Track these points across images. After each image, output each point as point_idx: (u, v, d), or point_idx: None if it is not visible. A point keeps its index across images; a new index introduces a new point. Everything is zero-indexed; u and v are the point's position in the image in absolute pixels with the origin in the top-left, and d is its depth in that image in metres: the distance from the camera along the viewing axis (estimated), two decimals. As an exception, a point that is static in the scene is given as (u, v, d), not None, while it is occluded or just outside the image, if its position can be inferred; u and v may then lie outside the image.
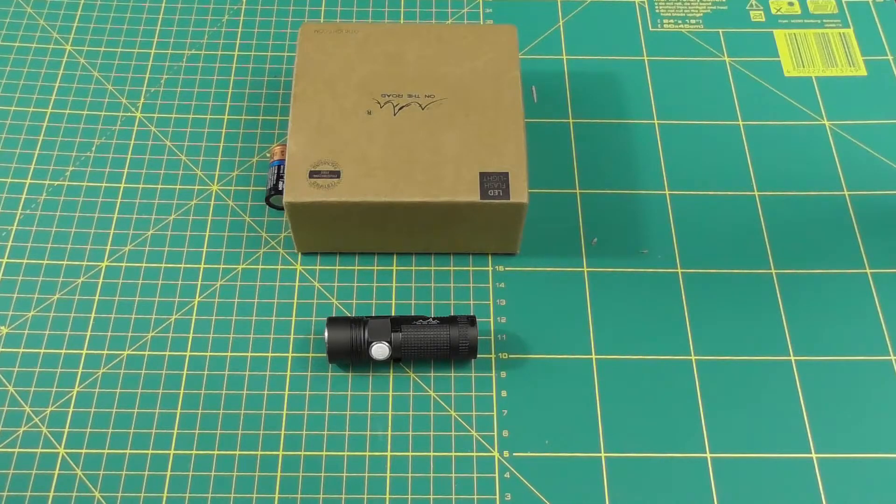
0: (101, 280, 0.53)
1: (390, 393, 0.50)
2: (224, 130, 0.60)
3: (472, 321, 0.49)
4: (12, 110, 0.60)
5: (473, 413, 0.49)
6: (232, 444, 0.48)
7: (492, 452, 0.48)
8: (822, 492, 0.47)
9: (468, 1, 0.66)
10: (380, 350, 0.48)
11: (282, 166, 0.54)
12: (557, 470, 0.47)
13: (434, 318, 0.50)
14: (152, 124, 0.60)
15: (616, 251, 0.55)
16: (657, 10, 0.66)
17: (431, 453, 0.48)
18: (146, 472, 0.47)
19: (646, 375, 0.50)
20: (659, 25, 0.65)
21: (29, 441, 0.48)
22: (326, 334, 0.49)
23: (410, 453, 0.48)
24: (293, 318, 0.52)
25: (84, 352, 0.51)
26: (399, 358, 0.49)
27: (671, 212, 0.56)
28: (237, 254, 0.55)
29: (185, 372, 0.50)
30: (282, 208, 0.55)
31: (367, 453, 0.48)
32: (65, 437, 0.48)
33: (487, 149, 0.51)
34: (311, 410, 0.49)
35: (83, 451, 0.48)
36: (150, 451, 0.48)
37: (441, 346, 0.49)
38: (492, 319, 0.52)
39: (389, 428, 0.49)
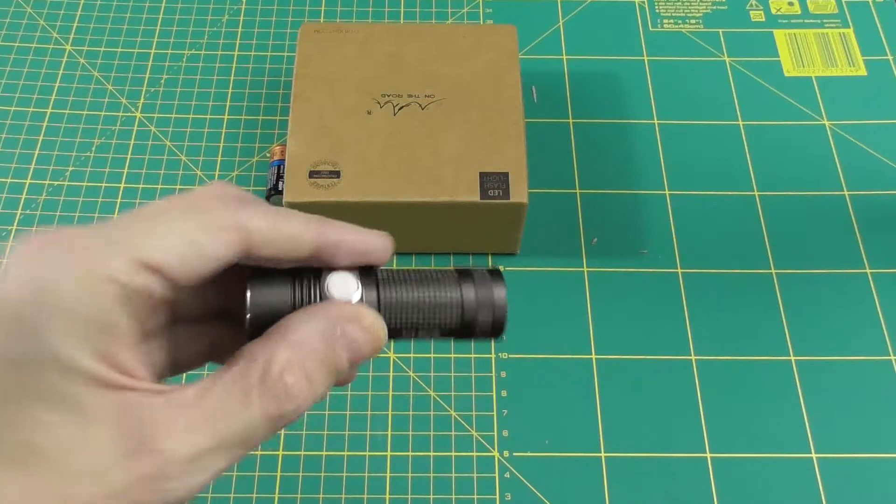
0: (101, 280, 0.53)
1: (390, 393, 0.50)
2: (224, 130, 0.60)
3: (495, 276, 0.30)
4: (12, 110, 0.60)
5: (473, 413, 0.49)
6: (232, 444, 0.48)
7: (492, 452, 0.48)
8: (822, 492, 0.47)
9: (468, 1, 0.66)
10: (343, 285, 0.28)
11: (282, 166, 0.54)
12: (557, 470, 0.47)
13: (435, 270, 0.31)
14: (152, 124, 0.60)
15: (616, 251, 0.55)
16: (657, 10, 0.66)
17: (431, 453, 0.48)
18: (146, 472, 0.47)
19: (646, 375, 0.50)
20: (659, 25, 0.66)
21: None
22: (249, 297, 0.28)
23: (410, 453, 0.48)
24: (293, 318, 0.52)
25: (84, 352, 0.51)
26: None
27: (671, 212, 0.56)
28: (237, 254, 0.54)
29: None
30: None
31: (367, 453, 0.48)
32: (65, 437, 0.48)
33: (487, 149, 0.51)
34: (311, 410, 0.49)
35: (83, 451, 0.48)
36: (150, 451, 0.48)
37: (445, 317, 0.30)
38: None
39: (389, 428, 0.49)
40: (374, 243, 0.29)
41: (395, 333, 0.30)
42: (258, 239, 0.26)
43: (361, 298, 0.29)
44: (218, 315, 0.31)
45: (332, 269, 0.29)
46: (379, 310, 0.29)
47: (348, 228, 0.28)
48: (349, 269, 0.29)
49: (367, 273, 0.29)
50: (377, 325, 0.28)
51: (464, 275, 0.31)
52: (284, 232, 0.27)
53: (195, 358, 0.30)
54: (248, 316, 0.28)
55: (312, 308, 0.27)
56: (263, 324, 0.28)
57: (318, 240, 0.27)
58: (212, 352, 0.30)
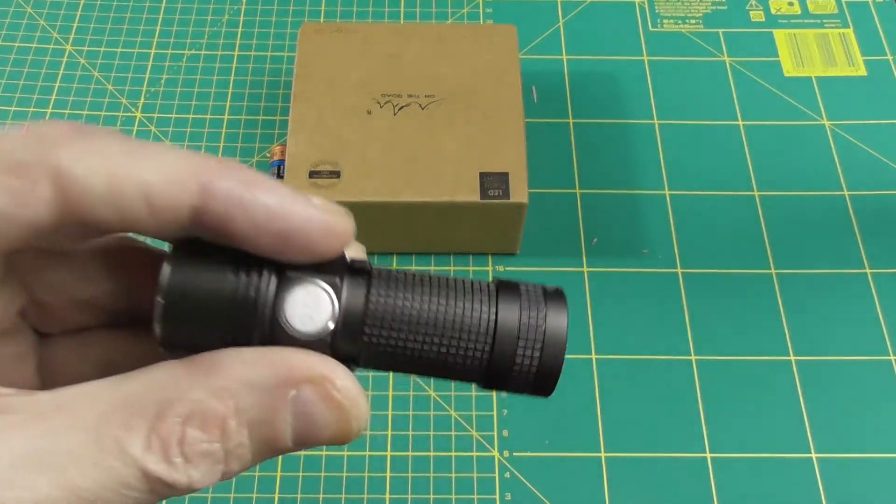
0: (101, 280, 0.53)
1: (390, 393, 0.50)
2: (224, 130, 0.60)
3: (553, 298, 0.21)
4: (12, 110, 0.60)
5: (473, 413, 0.49)
6: (232, 444, 0.48)
7: (492, 452, 0.48)
8: (822, 492, 0.47)
9: (468, 1, 0.66)
10: (309, 309, 0.19)
11: (282, 166, 0.54)
12: (557, 470, 0.47)
13: (463, 279, 0.20)
14: (152, 124, 0.60)
15: (616, 251, 0.55)
16: (657, 10, 0.66)
17: (431, 453, 0.48)
18: (146, 472, 0.47)
19: (646, 375, 0.50)
20: (659, 25, 0.66)
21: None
22: (167, 276, 0.18)
23: (410, 453, 0.48)
24: (293, 318, 0.52)
25: (84, 352, 0.51)
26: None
27: (671, 212, 0.56)
28: (237, 254, 0.54)
29: (185, 372, 0.50)
30: (282, 208, 0.55)
31: (367, 453, 0.48)
32: (65, 437, 0.48)
33: (487, 149, 0.51)
34: (311, 410, 0.49)
35: (83, 451, 0.48)
36: (150, 451, 0.48)
37: (465, 347, 0.20)
38: (492, 319, 0.52)
39: (389, 428, 0.49)
40: (309, 218, 0.17)
41: (385, 363, 0.19)
42: (87, 192, 0.16)
43: (336, 321, 0.18)
44: (121, 325, 0.22)
45: (294, 272, 0.18)
46: (364, 323, 0.18)
47: (265, 186, 0.17)
48: (324, 276, 0.18)
49: (356, 273, 0.18)
50: (353, 398, 0.18)
51: (506, 288, 0.20)
52: (131, 182, 0.16)
53: (79, 379, 0.18)
54: (160, 302, 0.17)
55: (263, 351, 0.17)
56: (185, 321, 0.18)
57: (203, 196, 0.16)
58: (101, 374, 0.18)
